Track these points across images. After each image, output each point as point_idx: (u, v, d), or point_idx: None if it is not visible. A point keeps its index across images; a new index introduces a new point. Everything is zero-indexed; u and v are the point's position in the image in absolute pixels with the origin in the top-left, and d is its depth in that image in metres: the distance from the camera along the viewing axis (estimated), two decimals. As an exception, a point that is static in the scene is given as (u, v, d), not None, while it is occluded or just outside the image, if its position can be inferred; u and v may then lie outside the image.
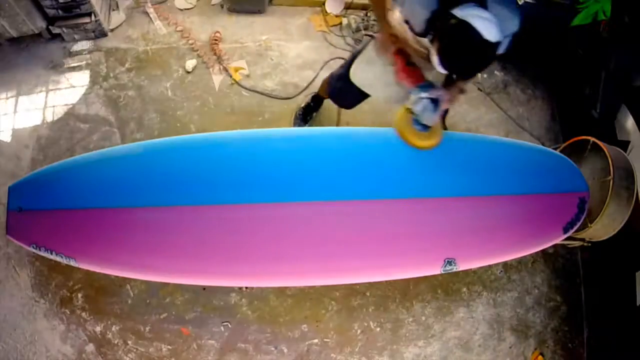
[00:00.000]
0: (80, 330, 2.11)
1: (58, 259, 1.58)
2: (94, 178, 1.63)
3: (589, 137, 2.08)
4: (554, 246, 2.32)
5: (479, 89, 2.83)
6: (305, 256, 1.65)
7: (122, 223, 1.58)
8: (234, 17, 2.82)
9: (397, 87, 1.69)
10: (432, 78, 1.66)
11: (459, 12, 1.28)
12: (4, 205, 1.63)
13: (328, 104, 2.37)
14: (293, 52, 2.75)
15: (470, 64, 1.35)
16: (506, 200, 1.77)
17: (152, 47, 2.68)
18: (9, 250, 2.18)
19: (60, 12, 2.45)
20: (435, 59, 1.34)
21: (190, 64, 2.64)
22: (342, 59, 2.57)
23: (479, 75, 2.87)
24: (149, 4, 2.78)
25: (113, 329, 2.13)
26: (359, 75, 1.88)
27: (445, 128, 2.59)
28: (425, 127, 1.68)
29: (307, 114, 2.51)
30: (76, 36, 2.61)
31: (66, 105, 2.50)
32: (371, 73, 1.82)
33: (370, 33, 2.77)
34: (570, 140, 2.17)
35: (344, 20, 2.86)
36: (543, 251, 2.39)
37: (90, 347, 2.10)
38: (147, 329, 2.14)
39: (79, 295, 2.15)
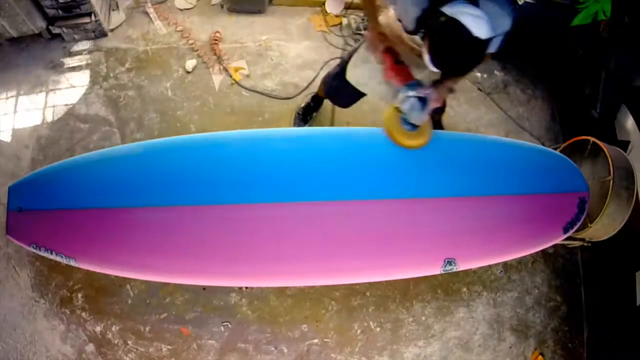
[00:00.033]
0: (80, 330, 2.11)
1: (58, 259, 1.58)
2: (94, 178, 1.63)
3: (589, 137, 2.08)
4: (554, 246, 2.32)
5: (479, 89, 2.83)
6: (305, 256, 1.64)
7: (122, 223, 1.58)
8: (234, 17, 2.82)
9: (392, 85, 1.69)
10: (424, 77, 1.65)
11: (449, 10, 1.27)
12: (4, 205, 1.63)
13: (328, 103, 2.38)
14: (293, 52, 2.75)
15: (461, 61, 1.34)
16: (506, 200, 1.76)
17: (152, 47, 2.68)
18: (9, 250, 2.18)
19: (60, 12, 2.46)
20: (426, 57, 1.34)
21: (190, 64, 2.64)
22: (342, 59, 2.57)
23: (479, 75, 2.87)
24: (149, 4, 2.78)
25: (113, 329, 2.13)
26: (355, 74, 1.88)
27: (442, 128, 2.61)
28: (414, 127, 1.67)
29: (307, 114, 2.51)
30: (76, 36, 2.61)
31: (66, 105, 2.50)
32: (366, 71, 1.82)
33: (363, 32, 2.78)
34: (570, 140, 2.17)
35: (344, 20, 2.86)
36: (543, 251, 2.39)
37: (90, 347, 2.10)
38: (147, 329, 2.14)
39: (79, 295, 2.15)
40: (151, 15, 2.76)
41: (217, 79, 2.64)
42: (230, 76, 2.64)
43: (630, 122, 2.35)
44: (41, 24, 2.48)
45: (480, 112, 2.77)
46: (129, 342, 2.12)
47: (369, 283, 2.27)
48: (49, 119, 2.46)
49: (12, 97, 2.50)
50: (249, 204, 1.60)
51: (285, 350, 2.18)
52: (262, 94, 2.62)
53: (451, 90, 1.68)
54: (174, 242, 1.59)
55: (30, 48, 2.59)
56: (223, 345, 2.16)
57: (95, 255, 1.60)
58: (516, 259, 2.42)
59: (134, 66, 2.62)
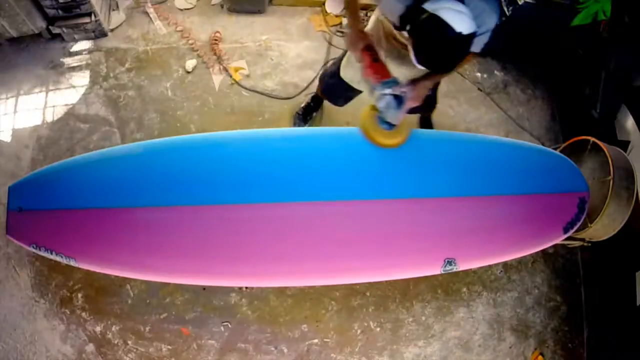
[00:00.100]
0: (80, 330, 2.11)
1: (58, 259, 1.58)
2: (94, 178, 1.63)
3: (589, 137, 2.08)
4: (554, 246, 2.32)
5: (479, 89, 2.83)
6: (305, 256, 1.64)
7: (122, 223, 1.58)
8: (234, 17, 2.82)
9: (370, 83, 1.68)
10: (415, 74, 1.64)
11: (430, 6, 1.27)
12: (4, 205, 1.63)
13: (328, 103, 2.38)
14: (293, 52, 2.75)
15: (444, 57, 1.33)
16: (506, 200, 1.76)
17: (152, 47, 2.68)
18: (9, 250, 2.18)
19: (60, 12, 2.46)
20: (411, 54, 1.34)
21: (190, 64, 2.64)
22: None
23: (479, 75, 2.87)
24: (149, 4, 2.78)
25: (113, 329, 2.13)
26: (349, 72, 1.88)
27: (431, 125, 2.60)
28: (391, 125, 1.65)
29: (307, 114, 2.51)
30: (76, 36, 2.61)
31: (66, 105, 2.50)
32: (360, 69, 1.83)
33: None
34: (570, 140, 2.17)
35: (344, 20, 2.86)
36: (543, 251, 2.39)
37: (90, 347, 2.10)
38: (147, 329, 2.14)
39: (79, 295, 2.15)
40: (151, 15, 2.76)
41: (217, 79, 2.64)
42: (230, 76, 2.64)
43: (630, 122, 2.35)
44: (41, 24, 2.48)
45: (480, 112, 2.77)
46: (129, 342, 2.12)
47: (369, 283, 2.27)
48: (49, 119, 2.46)
49: (12, 97, 2.50)
50: (249, 204, 1.60)
51: (285, 350, 2.18)
52: (262, 94, 2.62)
53: (429, 90, 1.65)
54: (174, 242, 1.59)
55: (30, 48, 2.59)
56: (223, 345, 2.16)
57: (95, 255, 1.60)
58: (516, 259, 2.42)
59: (134, 66, 2.62)
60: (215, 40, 2.70)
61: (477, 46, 1.39)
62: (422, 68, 1.37)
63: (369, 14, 2.84)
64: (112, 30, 2.70)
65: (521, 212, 1.78)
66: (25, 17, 2.39)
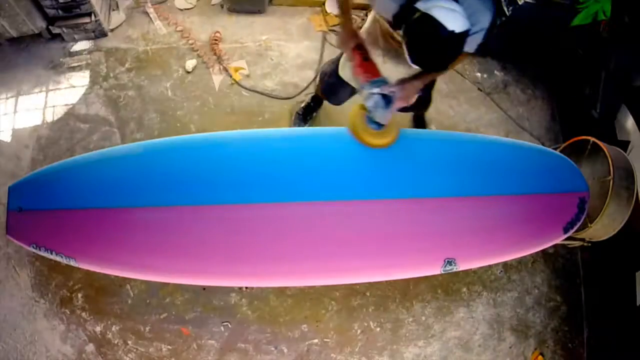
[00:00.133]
0: (80, 330, 2.11)
1: (58, 259, 1.58)
2: (94, 178, 1.63)
3: (589, 137, 2.08)
4: (554, 246, 2.32)
5: (479, 89, 2.83)
6: (305, 256, 1.64)
7: (122, 223, 1.58)
8: (234, 17, 2.82)
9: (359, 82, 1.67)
10: (408, 73, 1.64)
11: (422, 5, 1.27)
12: (4, 205, 1.63)
13: (328, 103, 2.38)
14: (293, 52, 2.75)
15: (436, 56, 1.33)
16: (506, 200, 1.76)
17: (152, 47, 2.68)
18: (9, 250, 2.18)
19: (60, 12, 2.46)
20: (405, 53, 1.34)
21: (190, 64, 2.64)
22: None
23: (479, 75, 2.87)
24: (149, 4, 2.78)
25: (113, 329, 2.13)
26: (348, 71, 1.88)
27: (424, 123, 2.59)
28: (379, 125, 1.64)
29: (307, 114, 2.51)
30: (76, 36, 2.61)
31: (66, 105, 2.50)
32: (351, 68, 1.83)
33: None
34: (570, 140, 2.17)
35: (344, 20, 2.86)
36: (543, 251, 2.39)
37: (90, 347, 2.10)
38: (147, 329, 2.14)
39: (79, 295, 2.15)
40: (151, 15, 2.76)
41: (217, 79, 2.64)
42: (230, 76, 2.64)
43: (630, 122, 2.35)
44: (41, 24, 2.49)
45: (480, 112, 2.77)
46: (129, 342, 2.12)
47: (369, 283, 2.27)
48: (49, 119, 2.46)
49: (12, 97, 2.50)
50: (249, 204, 1.60)
51: (285, 350, 2.18)
52: (262, 94, 2.62)
53: (418, 91, 1.64)
54: (174, 242, 1.59)
55: (30, 48, 2.59)
56: (223, 345, 2.16)
57: (95, 255, 1.59)
58: (516, 259, 2.42)
59: (134, 66, 2.62)
60: (215, 40, 2.70)
61: (470, 46, 1.38)
62: (417, 67, 1.37)
63: (368, 14, 2.85)
64: (112, 30, 2.70)
65: (521, 212, 1.78)
66: (25, 17, 2.39)
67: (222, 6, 2.84)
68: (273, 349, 2.18)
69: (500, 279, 2.43)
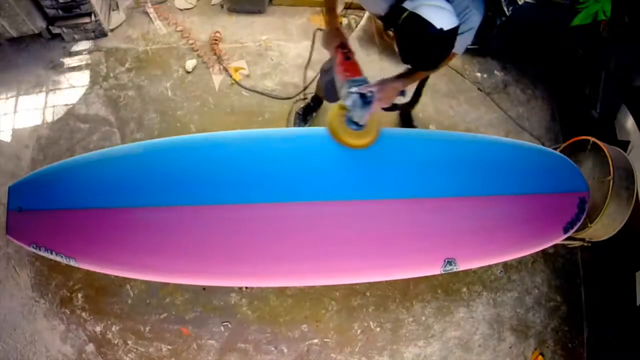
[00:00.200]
0: (80, 330, 2.11)
1: (58, 259, 1.58)
2: (94, 178, 1.63)
3: (589, 137, 2.08)
4: (554, 246, 2.32)
5: (479, 89, 2.83)
6: (305, 256, 1.64)
7: (122, 223, 1.58)
8: (234, 17, 2.82)
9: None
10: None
11: (410, 4, 1.27)
12: (4, 205, 1.63)
13: (328, 103, 2.38)
14: (293, 52, 2.75)
15: (426, 54, 1.33)
16: (506, 200, 1.76)
17: (152, 47, 2.69)
18: (9, 250, 2.18)
19: (60, 12, 2.46)
20: (397, 53, 1.34)
21: (190, 64, 2.64)
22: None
23: (479, 75, 2.87)
24: (149, 4, 2.78)
25: (113, 329, 2.13)
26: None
27: (411, 121, 2.58)
28: (359, 126, 1.63)
29: (307, 114, 2.51)
30: (76, 36, 2.61)
31: (66, 105, 2.50)
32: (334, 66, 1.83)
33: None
34: (570, 140, 2.17)
35: (344, 20, 2.86)
36: (543, 251, 2.39)
37: (90, 347, 2.10)
38: (147, 329, 2.14)
39: (79, 295, 2.15)
40: (151, 15, 2.76)
41: (217, 79, 2.64)
42: (230, 76, 2.64)
43: (630, 122, 2.35)
44: (41, 24, 2.49)
45: (480, 112, 2.77)
46: (129, 342, 2.12)
47: (369, 283, 2.27)
48: (49, 119, 2.46)
49: (12, 97, 2.50)
50: (249, 204, 1.60)
51: (285, 350, 2.18)
52: (262, 94, 2.62)
53: (399, 93, 1.62)
54: (174, 242, 1.59)
55: (30, 48, 2.59)
56: (223, 345, 2.16)
57: (95, 255, 1.59)
58: (516, 259, 2.42)
59: (134, 66, 2.62)
60: (215, 40, 2.70)
61: (460, 47, 1.37)
62: (408, 66, 1.37)
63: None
64: (112, 30, 2.70)
65: (521, 212, 1.78)
66: (25, 17, 2.39)
67: (222, 6, 2.84)
68: (273, 349, 2.18)
69: (500, 279, 2.43)
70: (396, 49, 1.34)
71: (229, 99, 2.60)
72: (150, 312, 2.16)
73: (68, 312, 2.13)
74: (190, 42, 2.70)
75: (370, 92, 1.51)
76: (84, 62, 2.61)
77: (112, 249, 1.59)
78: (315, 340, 2.21)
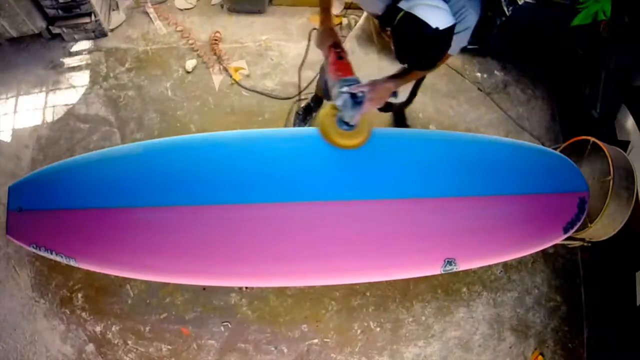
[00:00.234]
0: (80, 330, 2.11)
1: (58, 259, 1.58)
2: (94, 178, 1.63)
3: (589, 137, 2.08)
4: (554, 246, 2.32)
5: (479, 89, 2.83)
6: (305, 256, 1.64)
7: (122, 223, 1.58)
8: (234, 17, 2.82)
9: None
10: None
11: (405, 4, 1.27)
12: (4, 205, 1.63)
13: (328, 103, 2.38)
14: (293, 52, 2.75)
15: (423, 54, 1.32)
16: (506, 200, 1.76)
17: (152, 47, 2.69)
18: (9, 250, 2.18)
19: (60, 12, 2.46)
20: (394, 53, 1.34)
21: (190, 64, 2.64)
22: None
23: (479, 75, 2.87)
24: (149, 4, 2.78)
25: (113, 329, 2.13)
26: None
27: (405, 120, 2.57)
28: (349, 126, 1.61)
29: (307, 114, 2.51)
30: (76, 36, 2.61)
31: (66, 105, 2.50)
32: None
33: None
34: (570, 140, 2.17)
35: (344, 20, 2.86)
36: (543, 251, 2.39)
37: (90, 347, 2.10)
38: (147, 329, 2.14)
39: (79, 295, 2.15)
40: (151, 15, 2.76)
41: (217, 79, 2.64)
42: (230, 76, 2.64)
43: (630, 122, 2.35)
44: (41, 24, 2.49)
45: (480, 112, 2.77)
46: (129, 342, 2.12)
47: (369, 283, 2.27)
48: (49, 119, 2.46)
49: (12, 97, 2.50)
50: (249, 204, 1.60)
51: (285, 350, 2.18)
52: (262, 94, 2.62)
53: (391, 94, 1.60)
54: (174, 242, 1.59)
55: (30, 48, 2.60)
56: (223, 345, 2.16)
57: (95, 255, 1.59)
58: (516, 259, 2.42)
59: (134, 66, 2.62)
60: (215, 40, 2.70)
61: (455, 46, 1.36)
62: (405, 66, 1.36)
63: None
64: (112, 30, 2.70)
65: (521, 212, 1.78)
66: (25, 17, 2.39)
67: (222, 6, 2.84)
68: (273, 349, 2.18)
69: (500, 279, 2.43)
70: (393, 49, 1.34)
71: (229, 99, 2.60)
72: (150, 312, 2.16)
73: (68, 312, 2.13)
74: (190, 42, 2.70)
75: (362, 92, 1.49)
76: (84, 62, 2.61)
77: (112, 249, 1.59)
78: (315, 340, 2.21)
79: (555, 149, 2.20)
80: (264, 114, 2.57)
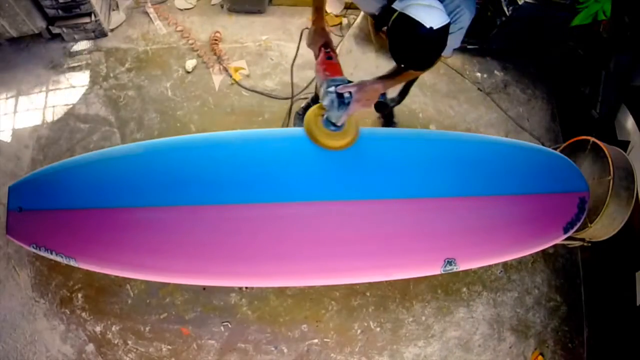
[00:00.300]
0: (80, 330, 2.11)
1: (58, 259, 1.58)
2: (94, 178, 1.63)
3: (589, 137, 2.08)
4: (554, 246, 2.32)
5: (479, 89, 2.83)
6: (306, 256, 1.64)
7: (122, 223, 1.58)
8: (234, 17, 2.82)
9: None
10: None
11: (399, 5, 1.27)
12: (4, 205, 1.63)
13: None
14: (293, 52, 2.75)
15: (418, 54, 1.32)
16: (506, 200, 1.76)
17: (152, 47, 2.68)
18: (9, 250, 2.18)
19: (60, 12, 2.46)
20: (390, 53, 1.34)
21: (190, 64, 2.64)
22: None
23: (479, 75, 2.87)
24: (149, 4, 2.78)
25: (113, 329, 2.13)
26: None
27: (392, 119, 2.56)
28: (336, 127, 1.60)
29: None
30: (76, 36, 2.61)
31: (66, 105, 2.50)
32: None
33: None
34: (570, 140, 2.17)
35: (344, 20, 2.86)
36: (543, 251, 2.39)
37: (90, 347, 2.10)
38: (147, 329, 2.14)
39: (79, 295, 2.15)
40: (151, 15, 2.76)
41: (217, 79, 2.64)
42: (230, 76, 2.64)
43: (630, 122, 2.35)
44: (41, 24, 2.49)
45: (480, 112, 2.77)
46: (129, 342, 2.12)
47: (369, 283, 2.27)
48: (49, 119, 2.46)
49: (12, 97, 2.50)
50: (249, 204, 1.60)
51: (285, 350, 2.18)
52: (262, 94, 2.62)
53: (379, 95, 1.57)
54: (174, 242, 1.59)
55: (30, 48, 2.59)
56: (223, 345, 2.16)
57: (95, 255, 1.59)
58: (516, 259, 2.42)
59: (134, 66, 2.62)
60: (215, 40, 2.70)
61: (448, 47, 1.35)
62: (402, 66, 1.36)
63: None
64: (112, 30, 2.70)
65: (521, 212, 1.78)
66: (25, 17, 2.39)
67: (222, 6, 2.84)
68: (273, 349, 2.18)
69: (500, 279, 2.43)
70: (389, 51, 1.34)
71: (229, 99, 2.60)
72: (150, 312, 2.16)
73: (68, 312, 2.13)
74: (190, 42, 2.70)
75: (349, 92, 1.48)
76: (84, 62, 2.61)
77: (112, 249, 1.59)
78: (315, 340, 2.21)
79: (555, 149, 2.20)
80: (263, 114, 2.57)
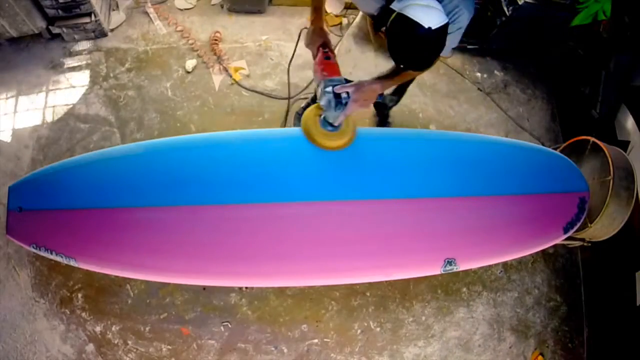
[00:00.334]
0: (80, 330, 2.11)
1: (58, 259, 1.58)
2: (94, 178, 1.63)
3: (589, 137, 2.08)
4: (554, 246, 2.32)
5: (479, 89, 2.83)
6: (305, 256, 1.64)
7: (122, 223, 1.58)
8: (234, 17, 2.82)
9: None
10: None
11: (397, 5, 1.27)
12: (4, 205, 1.63)
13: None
14: (293, 52, 2.75)
15: (417, 54, 1.32)
16: (506, 200, 1.76)
17: (152, 47, 2.69)
18: (9, 250, 2.18)
19: (60, 12, 2.46)
20: (389, 54, 1.34)
21: (190, 64, 2.64)
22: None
23: (479, 75, 2.87)
24: (149, 4, 2.78)
25: (113, 329, 2.13)
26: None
27: (387, 118, 2.56)
28: (334, 127, 1.60)
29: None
30: (76, 36, 2.61)
31: (66, 105, 2.50)
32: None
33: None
34: (570, 140, 2.17)
35: (344, 20, 2.86)
36: (543, 251, 2.39)
37: (90, 347, 2.10)
38: (147, 329, 2.14)
39: (79, 295, 2.15)
40: (151, 15, 2.76)
41: (217, 79, 2.64)
42: (230, 76, 2.64)
43: (630, 122, 2.35)
44: (41, 24, 2.49)
45: (480, 112, 2.77)
46: (129, 342, 2.12)
47: (369, 283, 2.27)
48: (49, 119, 2.46)
49: (12, 97, 2.50)
50: (249, 204, 1.60)
51: (285, 350, 2.18)
52: (262, 94, 2.62)
53: (378, 96, 1.57)
54: (174, 242, 1.59)
55: (30, 48, 2.59)
56: (223, 345, 2.16)
57: (95, 255, 1.59)
58: (516, 259, 2.42)
59: (134, 66, 2.62)
60: (215, 40, 2.70)
61: (447, 47, 1.35)
62: (401, 66, 1.36)
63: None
64: (112, 30, 2.70)
65: (521, 212, 1.78)
66: (25, 17, 2.39)
67: (222, 6, 2.84)
68: (273, 349, 2.18)
69: (500, 279, 2.43)
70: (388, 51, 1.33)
71: (229, 99, 2.60)
72: (150, 312, 2.16)
73: (68, 312, 2.13)
74: (190, 42, 2.70)
75: (346, 92, 1.48)
76: (84, 62, 2.61)
77: (112, 249, 1.59)
78: (315, 340, 2.21)
79: (555, 149, 2.20)
80: (263, 114, 2.57)
